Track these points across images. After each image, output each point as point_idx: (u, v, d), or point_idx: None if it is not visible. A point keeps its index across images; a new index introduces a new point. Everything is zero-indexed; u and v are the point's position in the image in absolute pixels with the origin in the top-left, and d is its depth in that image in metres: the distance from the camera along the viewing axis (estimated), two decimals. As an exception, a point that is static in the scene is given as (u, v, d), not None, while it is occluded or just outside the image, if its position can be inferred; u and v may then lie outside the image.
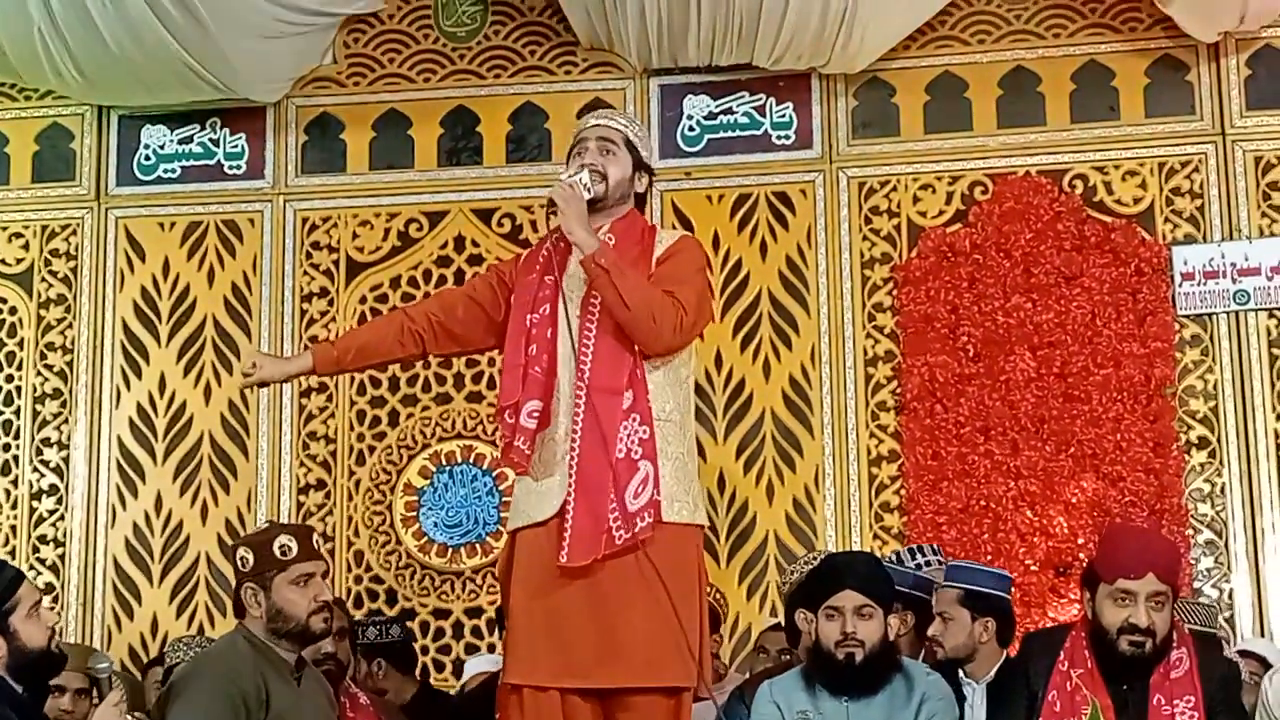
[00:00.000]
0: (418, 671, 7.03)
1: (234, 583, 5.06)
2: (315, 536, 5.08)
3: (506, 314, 4.87)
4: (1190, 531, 7.12)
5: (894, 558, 6.21)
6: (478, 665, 6.88)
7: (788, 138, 7.69)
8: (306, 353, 5.16)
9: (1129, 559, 4.78)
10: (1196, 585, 7.05)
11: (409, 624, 7.26)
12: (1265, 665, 6.18)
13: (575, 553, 4.54)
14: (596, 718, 4.63)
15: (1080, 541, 7.10)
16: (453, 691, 7.08)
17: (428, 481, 7.64)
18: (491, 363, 7.50)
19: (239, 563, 4.99)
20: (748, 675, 6.33)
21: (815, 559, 6.17)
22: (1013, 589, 6.33)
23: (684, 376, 4.85)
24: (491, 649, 7.08)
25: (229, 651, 4.88)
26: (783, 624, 6.51)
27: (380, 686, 6.49)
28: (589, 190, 4.74)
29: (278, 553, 4.90)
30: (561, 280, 4.73)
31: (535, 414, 4.64)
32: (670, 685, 4.60)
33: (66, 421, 7.79)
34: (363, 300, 7.78)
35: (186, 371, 7.79)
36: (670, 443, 4.67)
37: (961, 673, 5.60)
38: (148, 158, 7.99)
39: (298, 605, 4.87)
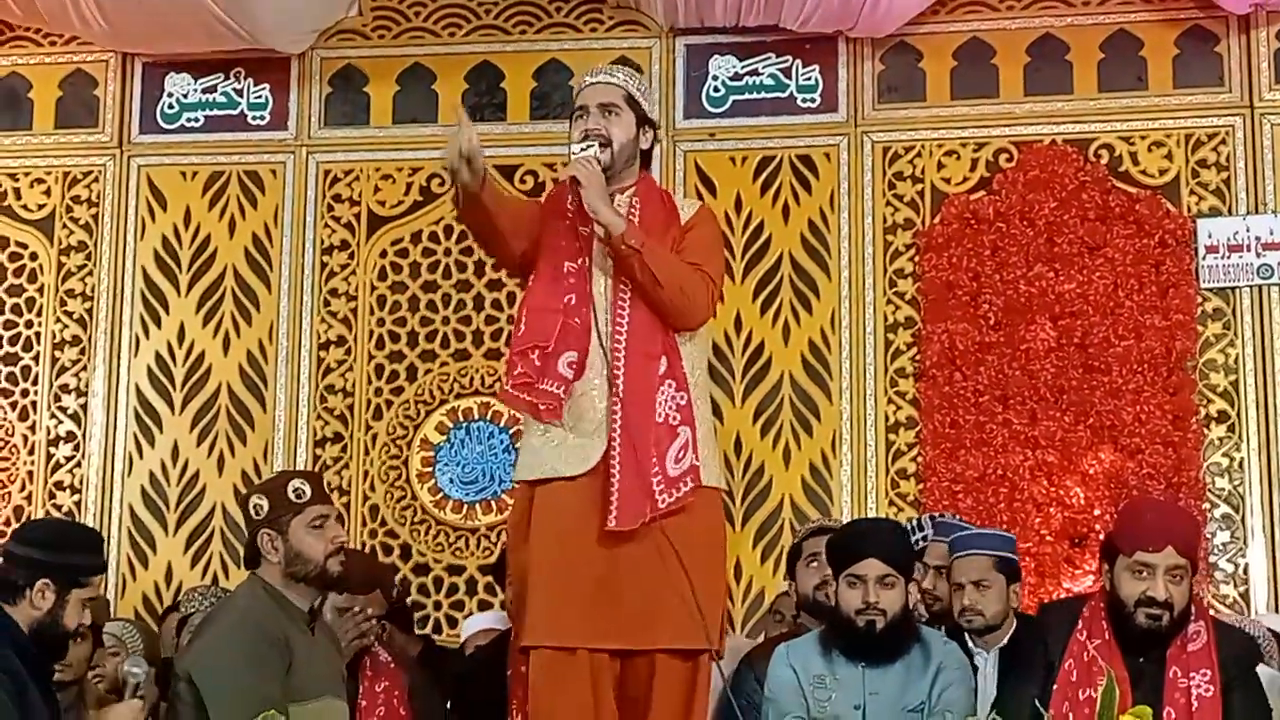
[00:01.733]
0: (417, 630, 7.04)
1: (247, 533, 5.06)
2: (324, 482, 5.08)
3: (532, 236, 4.76)
4: (1207, 505, 7.11)
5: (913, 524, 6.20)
6: (479, 623, 6.88)
7: (813, 100, 7.66)
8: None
9: (1148, 532, 4.76)
10: (1212, 559, 7.04)
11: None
12: (1280, 640, 6.18)
13: (624, 516, 4.50)
14: (614, 677, 4.62)
15: (1097, 513, 7.09)
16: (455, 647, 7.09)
17: (444, 437, 7.65)
18: (511, 320, 7.49)
19: (252, 511, 4.99)
20: (762, 638, 6.33)
21: (819, 524, 6.17)
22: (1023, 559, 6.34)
23: (707, 342, 4.86)
24: (504, 606, 7.08)
25: (252, 600, 4.89)
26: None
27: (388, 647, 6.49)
28: (600, 162, 4.66)
29: (292, 496, 4.91)
30: (593, 236, 4.69)
31: (573, 365, 4.58)
32: (691, 648, 4.60)
33: (85, 369, 7.80)
34: (383, 254, 7.77)
35: (206, 321, 7.79)
36: (700, 407, 4.66)
37: (971, 641, 5.60)
38: (171, 106, 7.98)
39: (315, 548, 4.87)
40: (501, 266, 5.24)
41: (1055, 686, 4.76)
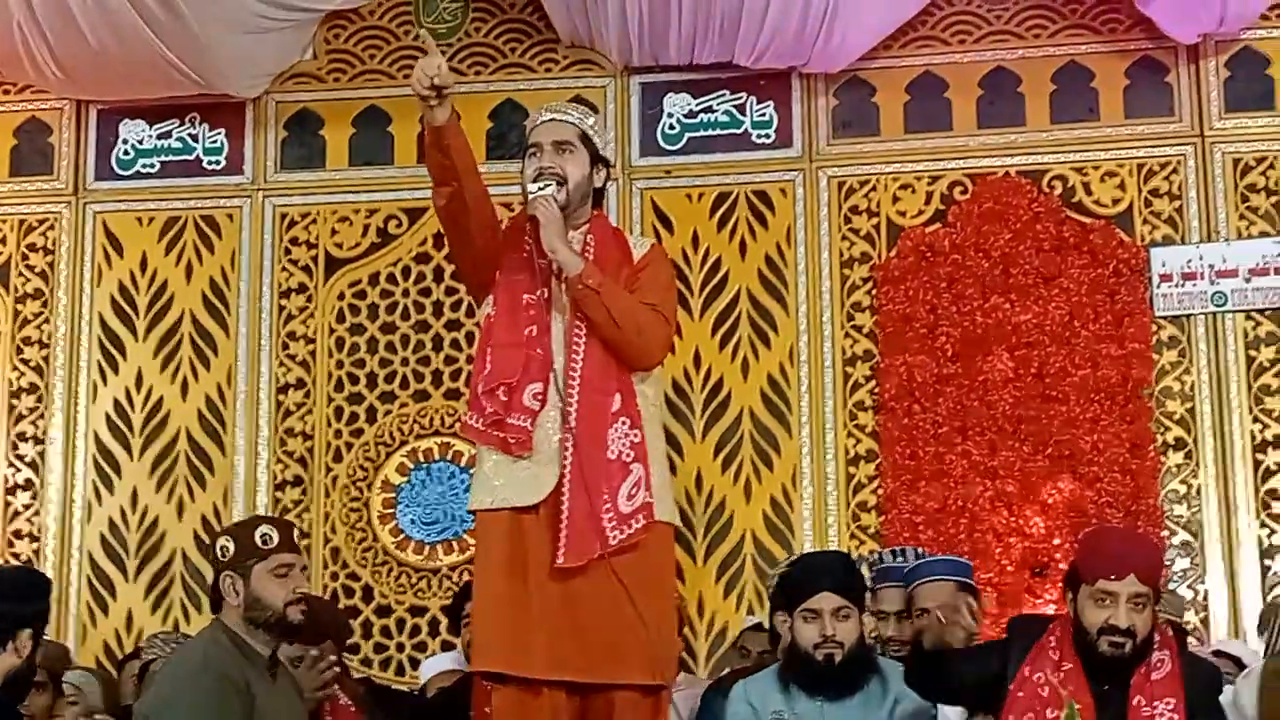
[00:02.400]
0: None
1: (213, 574, 5.04)
2: (295, 531, 5.07)
3: (488, 245, 4.76)
4: (1166, 533, 7.14)
5: (878, 558, 6.20)
6: (438, 664, 6.84)
7: (768, 136, 7.69)
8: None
9: (1110, 560, 4.78)
10: (1171, 587, 7.06)
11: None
12: (1240, 666, 6.20)
13: (572, 553, 4.53)
14: (572, 713, 4.62)
15: (1056, 542, 7.11)
16: (407, 689, 7.06)
17: (405, 478, 7.63)
18: (470, 360, 7.48)
19: (219, 552, 4.97)
20: (726, 672, 6.33)
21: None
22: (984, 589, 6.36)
23: (662, 380, 4.88)
24: (465, 647, 7.06)
25: (213, 645, 4.86)
26: (764, 625, 6.55)
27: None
28: (557, 200, 4.68)
29: (259, 541, 4.89)
30: (551, 268, 4.70)
31: (539, 396, 4.61)
32: (650, 684, 4.60)
33: (43, 416, 7.77)
34: (341, 297, 7.77)
35: (164, 367, 7.76)
36: (653, 443, 4.68)
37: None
38: (126, 153, 7.97)
39: (275, 595, 4.84)
40: (458, 256, 5.01)
41: (1018, 689, 4.78)
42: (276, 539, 4.91)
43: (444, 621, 7.43)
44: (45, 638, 4.78)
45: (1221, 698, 4.97)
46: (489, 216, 4.79)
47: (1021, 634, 5.01)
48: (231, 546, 4.92)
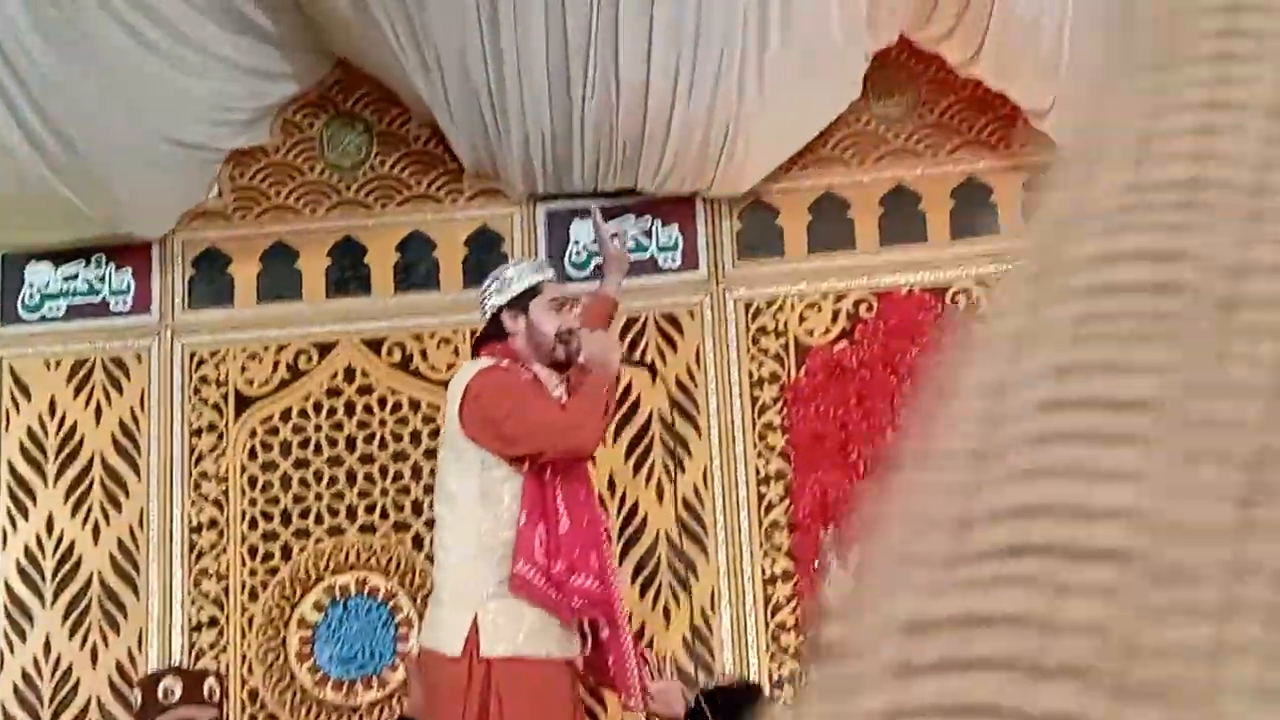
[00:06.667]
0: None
1: None
2: (209, 683, 5.04)
3: None
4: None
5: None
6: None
7: (674, 260, 7.75)
8: None
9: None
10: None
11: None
12: None
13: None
14: None
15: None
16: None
17: (322, 615, 7.57)
18: (384, 493, 7.49)
19: (133, 703, 4.97)
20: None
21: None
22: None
23: None
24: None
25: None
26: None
27: None
28: None
29: (160, 695, 4.89)
30: None
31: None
32: None
33: (-48, 566, 7.67)
34: (253, 434, 7.73)
35: (74, 511, 7.69)
36: None
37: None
38: (32, 296, 7.93)
39: None
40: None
41: None
42: (179, 693, 4.90)
43: (365, 759, 7.37)
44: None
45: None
46: None
47: None
48: (139, 699, 4.93)
